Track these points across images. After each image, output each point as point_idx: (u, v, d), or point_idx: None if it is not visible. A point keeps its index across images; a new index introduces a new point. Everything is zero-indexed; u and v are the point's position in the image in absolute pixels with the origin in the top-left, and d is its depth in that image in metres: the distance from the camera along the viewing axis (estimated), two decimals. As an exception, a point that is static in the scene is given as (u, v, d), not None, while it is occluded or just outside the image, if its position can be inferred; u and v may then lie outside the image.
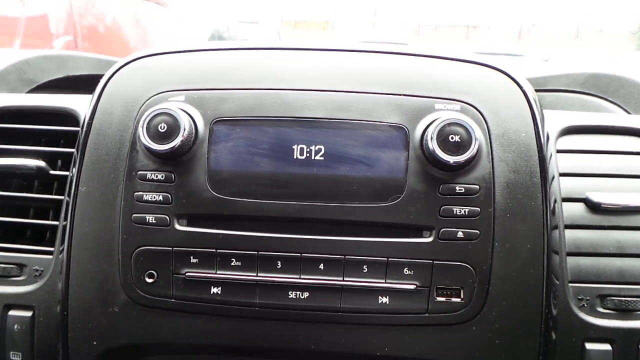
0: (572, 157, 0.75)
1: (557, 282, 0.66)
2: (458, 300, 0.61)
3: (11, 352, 0.70)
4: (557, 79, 1.21)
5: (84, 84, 1.06)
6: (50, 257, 0.72)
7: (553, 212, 0.65)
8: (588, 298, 0.68)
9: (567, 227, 0.70)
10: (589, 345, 0.67)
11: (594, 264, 0.70)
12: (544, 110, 0.69)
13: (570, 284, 0.69)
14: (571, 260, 0.70)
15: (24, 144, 0.78)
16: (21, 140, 0.79)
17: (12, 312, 0.70)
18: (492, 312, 0.61)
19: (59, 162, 0.77)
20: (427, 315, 0.61)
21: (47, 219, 0.75)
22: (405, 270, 0.61)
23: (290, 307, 0.61)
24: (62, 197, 0.73)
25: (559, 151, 0.75)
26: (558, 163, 0.73)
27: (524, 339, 0.62)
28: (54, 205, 0.75)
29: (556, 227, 0.67)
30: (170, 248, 0.62)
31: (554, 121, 0.77)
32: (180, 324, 0.62)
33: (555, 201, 0.67)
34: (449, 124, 0.60)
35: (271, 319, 0.61)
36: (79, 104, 0.80)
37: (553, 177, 0.68)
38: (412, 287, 0.60)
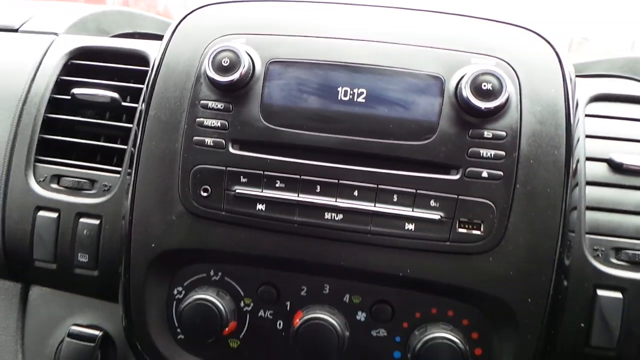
0: (600, 121, 0.79)
1: (574, 234, 0.71)
2: (478, 232, 0.67)
3: (79, 254, 0.81)
4: (596, 65, 1.24)
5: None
6: (117, 175, 0.82)
7: (575, 168, 0.70)
8: (603, 249, 0.73)
9: (588, 183, 0.75)
10: (601, 292, 0.71)
11: (611, 220, 0.74)
12: (576, 77, 0.74)
13: (587, 235, 0.73)
14: (590, 215, 0.74)
15: (100, 80, 0.89)
16: (97, 77, 0.89)
17: (82, 220, 0.80)
18: (509, 246, 0.66)
19: (128, 97, 0.87)
20: (448, 243, 0.67)
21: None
22: (431, 202, 0.67)
23: (325, 226, 0.68)
24: (130, 125, 0.83)
25: (587, 115, 0.80)
26: (585, 126, 0.78)
27: (538, 274, 0.67)
28: (122, 133, 0.85)
29: (577, 184, 0.72)
30: (224, 168, 0.70)
31: (585, 87, 0.82)
32: (228, 234, 0.70)
33: (578, 160, 0.72)
34: (483, 74, 0.66)
35: (307, 235, 0.69)
36: (149, 47, 0.90)
37: (579, 139, 0.73)
38: (437, 217, 0.67)
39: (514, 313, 0.67)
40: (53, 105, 0.87)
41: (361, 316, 0.72)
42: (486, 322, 0.70)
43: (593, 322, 0.72)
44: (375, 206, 0.68)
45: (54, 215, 0.80)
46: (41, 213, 0.81)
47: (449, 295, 0.70)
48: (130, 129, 0.83)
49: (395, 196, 0.68)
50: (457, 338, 0.67)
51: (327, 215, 0.69)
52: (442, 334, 0.67)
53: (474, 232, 0.67)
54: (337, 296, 0.72)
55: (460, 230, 0.67)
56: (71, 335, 0.81)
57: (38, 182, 0.83)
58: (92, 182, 0.82)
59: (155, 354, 0.73)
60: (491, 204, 0.67)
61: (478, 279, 0.67)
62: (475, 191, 0.67)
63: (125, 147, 0.83)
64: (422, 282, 0.68)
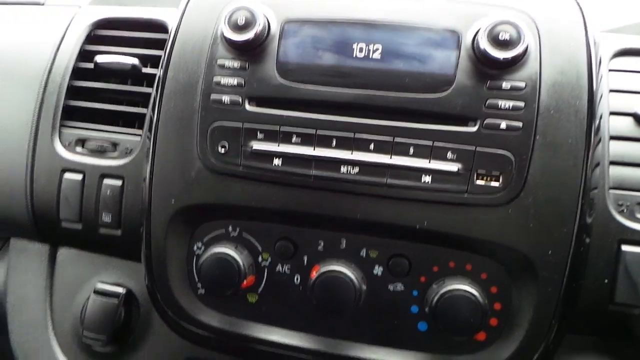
0: (625, 76, 0.77)
1: (597, 190, 0.69)
2: (496, 184, 0.66)
3: (103, 214, 0.83)
4: (629, 29, 1.20)
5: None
6: (138, 138, 0.84)
7: (598, 123, 0.68)
8: (628, 204, 0.71)
9: (612, 138, 0.73)
10: (625, 247, 0.69)
11: (637, 175, 0.72)
12: (600, 32, 0.72)
13: (610, 190, 0.71)
14: (614, 170, 0.72)
15: (121, 48, 0.91)
16: (119, 46, 0.92)
17: (106, 181, 0.83)
18: (528, 198, 0.65)
19: (149, 64, 0.89)
20: (466, 195, 0.66)
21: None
22: (448, 154, 0.67)
23: (341, 180, 0.68)
24: (151, 90, 0.85)
25: (611, 70, 0.77)
26: (610, 81, 0.76)
27: (559, 227, 0.66)
28: (142, 99, 0.87)
29: (600, 140, 0.70)
30: (241, 124, 0.71)
31: (609, 42, 0.79)
32: (245, 189, 0.71)
33: (601, 116, 0.70)
34: (500, 23, 0.65)
35: (324, 189, 0.69)
36: (167, 15, 0.91)
37: (602, 94, 0.71)
38: (454, 169, 0.66)
39: (534, 266, 0.66)
40: (77, 73, 0.90)
41: (378, 270, 0.72)
42: (506, 276, 0.69)
43: (617, 278, 0.70)
44: (391, 159, 0.68)
45: (79, 176, 0.83)
46: (67, 175, 0.84)
47: (467, 248, 0.69)
48: (150, 94, 0.85)
49: (411, 149, 0.67)
50: (476, 291, 0.67)
51: (343, 169, 0.69)
52: (461, 286, 0.67)
53: (492, 184, 0.66)
54: (354, 251, 0.72)
55: (478, 182, 0.66)
56: (97, 292, 0.84)
57: (64, 146, 0.86)
58: (115, 145, 0.85)
59: (176, 308, 0.75)
60: (510, 155, 0.66)
61: (497, 231, 0.66)
62: (494, 143, 0.66)
63: (145, 110, 0.85)
64: (439, 235, 0.68)
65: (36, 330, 0.88)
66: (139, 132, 0.85)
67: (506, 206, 0.66)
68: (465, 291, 0.66)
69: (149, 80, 0.88)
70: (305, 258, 0.73)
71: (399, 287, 0.71)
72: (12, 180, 0.86)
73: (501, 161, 0.66)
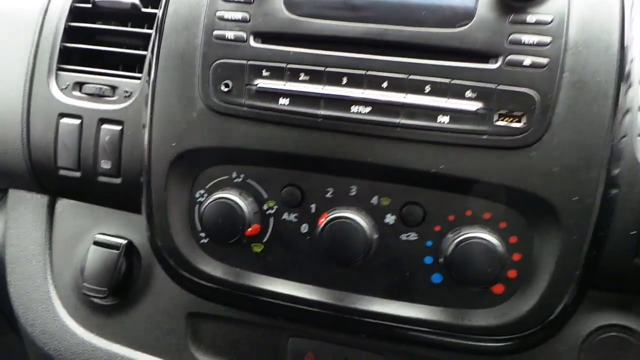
0: None
1: (626, 138, 0.65)
2: (519, 125, 0.61)
3: (102, 161, 0.79)
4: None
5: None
6: (138, 82, 0.80)
7: (630, 68, 0.63)
8: None
9: None
10: (658, 193, 0.65)
11: None
12: None
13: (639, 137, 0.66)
14: None
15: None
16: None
17: (104, 126, 0.79)
18: (553, 139, 0.61)
19: (150, 6, 0.84)
20: (485, 137, 0.61)
21: None
22: (467, 92, 0.62)
23: (351, 120, 0.64)
24: (151, 31, 0.80)
25: None
26: None
27: (585, 172, 0.61)
28: (143, 41, 0.82)
29: (630, 85, 0.65)
30: (245, 62, 0.66)
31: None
32: (250, 130, 0.67)
33: (632, 60, 0.65)
34: (526, -50, 0.60)
35: (333, 130, 0.65)
36: None
37: (633, 37, 0.66)
38: (473, 108, 0.61)
39: (558, 214, 0.62)
40: (74, 14, 0.85)
41: (390, 219, 0.68)
42: (526, 225, 0.64)
43: None
44: (405, 98, 0.63)
45: (77, 122, 0.79)
46: (64, 120, 0.80)
47: (485, 195, 0.64)
48: (150, 35, 0.81)
49: (427, 87, 0.63)
50: (495, 239, 0.63)
51: (354, 109, 0.64)
52: (478, 234, 0.63)
53: (514, 124, 0.61)
54: (365, 198, 0.68)
55: (499, 122, 0.61)
56: (96, 242, 0.81)
57: (61, 90, 0.82)
58: (114, 88, 0.81)
59: (178, 258, 0.72)
60: (534, 94, 0.61)
61: (518, 176, 0.62)
62: (517, 80, 0.61)
63: (146, 53, 0.80)
64: (456, 180, 0.64)
65: (35, 283, 0.85)
66: (138, 74, 0.80)
67: (529, 149, 0.61)
68: (483, 239, 0.62)
69: (149, 21, 0.83)
70: (313, 206, 0.69)
71: (412, 236, 0.67)
72: (8, 127, 0.83)
73: (524, 100, 0.61)
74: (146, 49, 0.81)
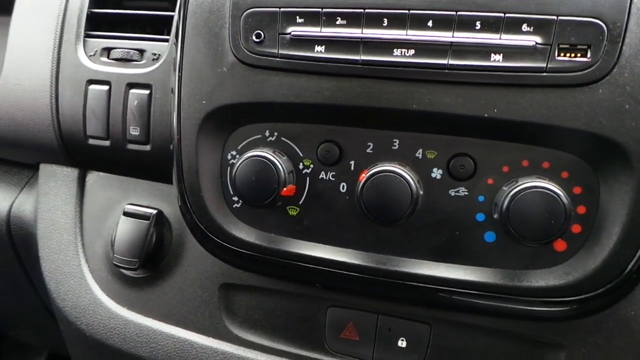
0: None
1: None
2: (584, 59, 0.54)
3: (131, 127, 0.77)
4: None
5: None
6: (166, 44, 0.77)
7: None
8: None
9: None
10: None
11: None
12: None
13: None
14: None
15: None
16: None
17: (133, 90, 0.76)
18: (623, 73, 0.54)
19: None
20: (545, 74, 0.55)
21: None
22: (523, 26, 0.55)
23: (394, 64, 0.58)
24: None
25: None
26: None
27: None
28: (168, 4, 0.80)
29: None
30: (278, 9, 0.62)
31: None
32: (284, 82, 0.62)
33: None
34: None
35: (373, 76, 0.59)
36: None
37: None
38: (530, 43, 0.55)
39: (630, 157, 0.54)
40: None
41: (437, 173, 0.62)
42: (592, 174, 0.57)
43: None
44: (453, 36, 0.58)
45: (105, 87, 0.77)
46: (92, 87, 0.78)
47: (544, 142, 0.58)
48: None
49: (478, 23, 0.57)
50: (557, 189, 0.56)
51: (396, 52, 0.59)
52: (539, 183, 0.57)
53: (579, 59, 0.55)
54: (409, 151, 0.62)
55: (560, 58, 0.55)
56: (126, 213, 0.78)
57: (88, 57, 0.80)
58: (141, 52, 0.78)
59: (210, 224, 0.68)
60: (601, 22, 0.54)
61: (583, 116, 0.55)
62: (580, 9, 0.54)
63: (169, 13, 0.77)
64: (512, 126, 0.57)
65: (67, 257, 0.83)
66: (166, 37, 0.78)
67: (595, 85, 0.54)
68: (545, 188, 0.56)
69: None
70: (352, 163, 0.64)
71: (462, 191, 0.61)
72: (38, 98, 0.81)
73: (590, 31, 0.54)
74: (172, 10, 0.79)
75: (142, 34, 0.81)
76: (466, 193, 0.61)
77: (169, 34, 0.79)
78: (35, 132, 0.82)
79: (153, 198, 0.81)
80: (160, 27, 0.81)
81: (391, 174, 0.60)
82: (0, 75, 0.84)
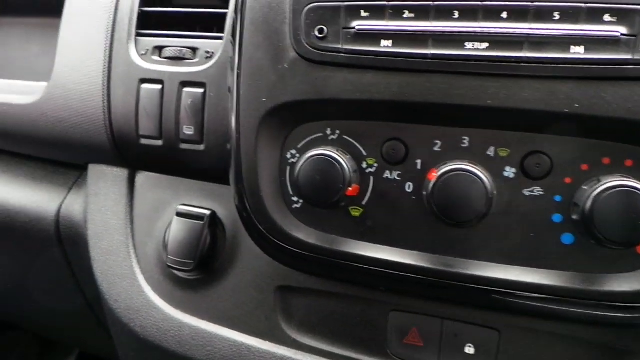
0: None
1: None
2: (676, 50, 0.51)
3: (184, 126, 0.76)
4: None
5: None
6: (219, 42, 0.76)
7: None
8: None
9: None
10: None
11: None
12: None
13: None
14: None
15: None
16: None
17: (186, 89, 0.75)
18: None
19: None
20: (630, 67, 0.52)
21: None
22: (606, 16, 0.52)
23: (466, 58, 0.56)
24: None
25: None
26: None
27: None
28: (220, 2, 0.79)
29: None
30: (341, 2, 0.60)
31: None
32: (348, 78, 0.60)
33: None
34: None
35: (443, 71, 0.57)
36: None
37: None
38: (615, 34, 0.52)
39: None
40: None
41: (510, 172, 0.59)
42: None
43: None
44: (530, 28, 0.55)
45: (158, 87, 0.76)
46: (145, 86, 0.77)
47: (627, 138, 0.55)
48: None
49: (556, 13, 0.54)
50: None
51: (468, 45, 0.56)
52: (625, 182, 0.54)
53: (670, 50, 0.52)
54: (479, 149, 0.60)
55: None
56: (179, 214, 0.77)
57: (140, 55, 0.79)
58: (194, 50, 0.77)
59: (270, 225, 0.66)
60: None
61: None
62: None
63: (226, 11, 0.76)
64: (594, 121, 0.54)
65: (118, 258, 0.83)
66: (220, 34, 0.76)
67: None
68: (632, 187, 0.53)
69: None
70: (419, 162, 0.62)
71: (537, 191, 0.59)
72: (89, 98, 0.81)
73: None
74: (224, 8, 0.77)
75: (191, 31, 0.80)
76: (542, 193, 0.58)
77: (219, 32, 0.78)
78: (87, 133, 0.82)
79: (204, 198, 0.80)
80: (210, 24, 0.80)
81: (465, 172, 0.57)
82: (51, 77, 0.84)
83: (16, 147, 0.94)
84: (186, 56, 0.76)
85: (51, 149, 0.89)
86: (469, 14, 0.56)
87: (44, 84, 0.86)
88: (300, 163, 0.63)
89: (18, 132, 0.87)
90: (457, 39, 0.56)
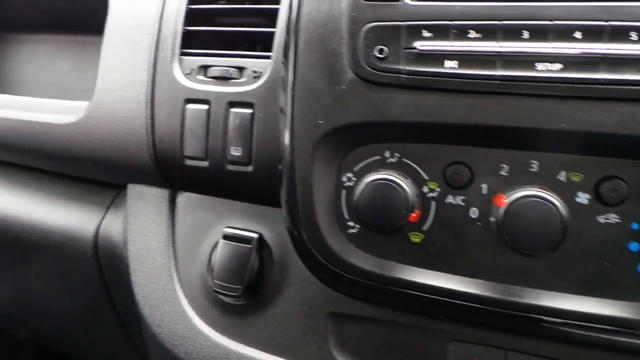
0: None
1: None
2: None
3: (232, 147, 0.74)
4: None
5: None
6: (267, 61, 0.74)
7: None
8: None
9: None
10: None
11: None
12: None
13: None
14: None
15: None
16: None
17: (233, 109, 0.73)
18: None
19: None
20: None
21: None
22: (692, 35, 0.50)
23: (537, 80, 0.54)
24: (273, 6, 0.74)
25: None
26: None
27: None
28: (265, 20, 0.77)
29: None
30: (402, 22, 0.58)
31: None
32: (411, 100, 0.58)
33: None
34: None
35: (512, 93, 0.55)
36: None
37: None
38: (702, 54, 0.50)
39: None
40: None
41: (583, 198, 0.56)
42: None
43: None
44: (606, 49, 0.52)
45: (204, 107, 0.74)
46: (190, 106, 0.75)
47: None
48: (271, 10, 0.75)
49: (633, 34, 0.51)
50: None
51: (540, 66, 0.54)
52: None
53: None
54: (549, 174, 0.57)
55: None
56: (226, 237, 0.75)
57: (185, 75, 0.77)
58: (241, 69, 0.75)
59: (325, 250, 0.64)
60: None
61: None
62: None
63: (271, 29, 0.74)
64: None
65: (160, 281, 0.80)
66: (267, 54, 0.74)
67: None
68: None
69: None
70: (485, 186, 0.59)
71: (613, 218, 0.56)
72: (132, 118, 0.79)
73: None
74: (270, 26, 0.76)
75: (233, 50, 0.78)
76: (618, 220, 0.56)
77: (264, 50, 0.76)
78: (129, 153, 0.80)
79: (249, 220, 0.78)
80: (253, 43, 0.78)
81: (539, 199, 0.55)
82: (92, 96, 0.82)
83: (55, 167, 0.93)
84: (233, 76, 0.74)
85: (90, 169, 0.88)
86: (539, 34, 0.54)
87: (84, 103, 0.85)
88: (360, 187, 0.61)
89: (58, 152, 0.85)
90: (528, 59, 0.54)
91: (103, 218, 0.90)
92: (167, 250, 0.82)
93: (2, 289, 1.12)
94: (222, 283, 0.73)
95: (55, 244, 0.91)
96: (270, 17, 0.76)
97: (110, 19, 0.84)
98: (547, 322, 0.58)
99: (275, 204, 0.77)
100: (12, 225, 0.94)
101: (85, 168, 0.88)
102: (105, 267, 0.91)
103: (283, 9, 0.74)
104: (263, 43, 0.77)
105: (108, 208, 0.91)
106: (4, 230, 0.95)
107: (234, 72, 0.74)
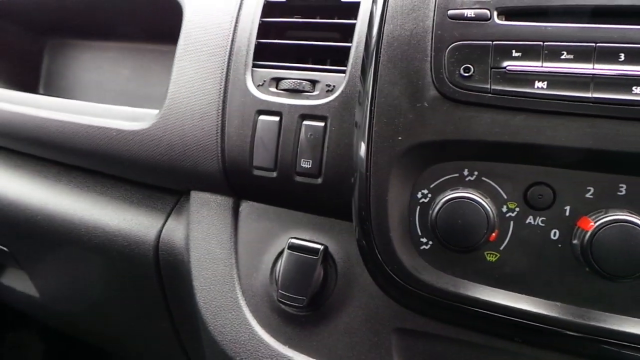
0: None
1: None
2: None
3: (302, 160, 0.74)
4: None
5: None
6: (340, 75, 0.74)
7: None
8: None
9: None
10: None
11: None
12: None
13: None
14: None
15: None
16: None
17: (306, 122, 0.74)
18: None
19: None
20: None
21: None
22: None
23: (634, 103, 0.53)
24: (354, 21, 0.75)
25: None
26: None
27: None
28: (337, 34, 0.78)
29: None
30: (490, 42, 0.58)
31: None
32: (496, 120, 0.58)
33: None
34: None
35: (606, 116, 0.54)
36: None
37: None
38: None
39: None
40: (267, 9, 0.82)
41: (675, 223, 0.56)
42: None
43: None
44: None
45: (276, 118, 0.75)
46: (262, 117, 0.76)
47: None
48: (347, 25, 0.76)
49: None
50: None
51: (637, 89, 0.54)
52: None
53: None
54: (638, 198, 0.56)
55: None
56: (292, 247, 0.75)
57: (257, 87, 0.79)
58: (314, 83, 0.76)
59: (398, 266, 0.64)
60: None
61: None
62: None
63: (346, 44, 0.75)
64: None
65: (223, 288, 0.81)
66: (341, 68, 0.75)
67: None
68: None
69: (343, 12, 0.78)
70: (568, 208, 0.58)
71: None
72: (202, 126, 0.80)
73: None
74: (344, 41, 0.76)
75: (302, 63, 0.79)
76: None
77: (334, 64, 0.77)
78: (197, 161, 0.82)
79: (313, 232, 0.78)
80: (324, 56, 0.79)
81: (630, 224, 0.54)
82: (164, 103, 0.84)
83: (120, 171, 0.95)
84: (305, 89, 0.75)
85: (155, 175, 0.89)
86: (636, 56, 0.53)
87: (154, 111, 0.87)
88: (438, 204, 0.61)
89: (126, 157, 0.87)
90: (624, 82, 0.54)
91: (165, 223, 0.92)
92: (230, 258, 0.82)
93: (61, 287, 1.15)
94: (286, 293, 0.74)
95: (118, 247, 0.93)
96: (346, 32, 0.77)
97: (184, 30, 0.86)
98: (624, 347, 0.57)
99: (341, 216, 0.77)
100: (77, 227, 0.96)
101: (151, 174, 0.90)
102: (165, 272, 0.92)
103: (359, 24, 0.75)
104: (334, 57, 0.78)
105: (169, 214, 0.93)
106: (69, 231, 0.97)
107: (306, 85, 0.75)
